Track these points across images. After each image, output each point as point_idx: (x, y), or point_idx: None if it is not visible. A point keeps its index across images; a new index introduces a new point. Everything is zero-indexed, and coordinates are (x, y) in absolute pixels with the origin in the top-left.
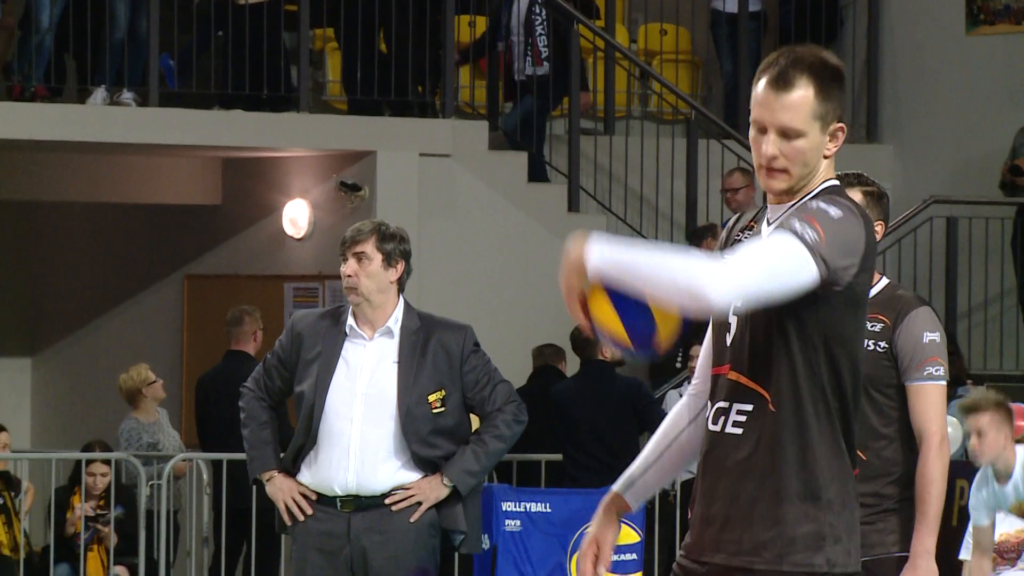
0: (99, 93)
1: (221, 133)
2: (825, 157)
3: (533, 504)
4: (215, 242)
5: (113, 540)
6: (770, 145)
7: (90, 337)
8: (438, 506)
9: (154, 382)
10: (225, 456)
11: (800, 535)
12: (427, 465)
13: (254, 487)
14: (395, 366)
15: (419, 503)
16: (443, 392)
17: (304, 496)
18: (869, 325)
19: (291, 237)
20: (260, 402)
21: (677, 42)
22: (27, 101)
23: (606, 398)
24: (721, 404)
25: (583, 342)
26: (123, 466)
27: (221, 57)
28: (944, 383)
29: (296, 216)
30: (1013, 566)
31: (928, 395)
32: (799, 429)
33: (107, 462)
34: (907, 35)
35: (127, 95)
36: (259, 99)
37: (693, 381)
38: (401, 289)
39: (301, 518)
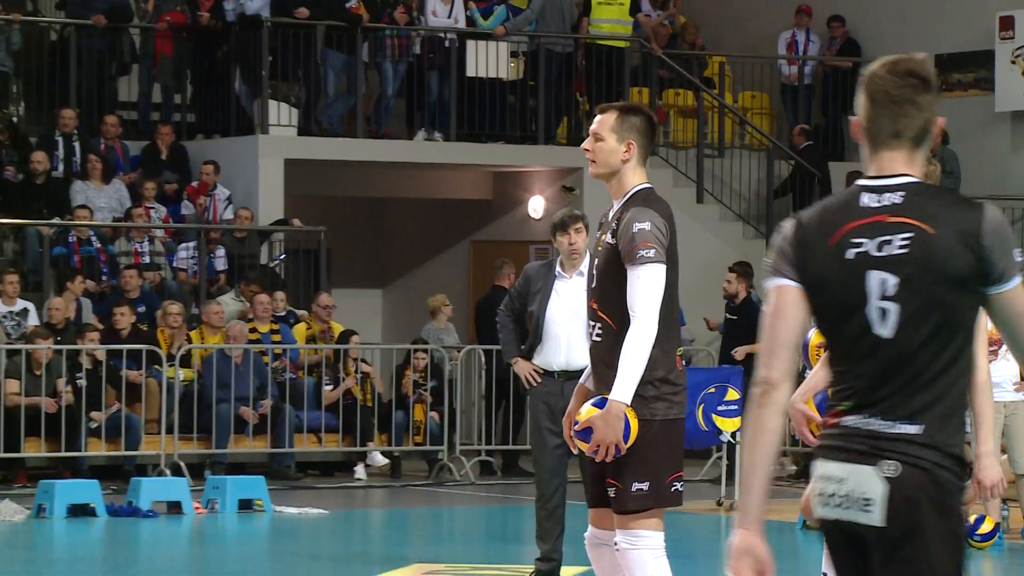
0: (420, 134)
1: (492, 157)
2: (623, 162)
3: None
4: (488, 221)
5: (429, 398)
6: (586, 141)
7: (416, 277)
8: None
9: (448, 305)
10: (493, 347)
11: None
12: None
13: (508, 366)
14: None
15: None
16: None
17: (535, 371)
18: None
19: (532, 218)
20: (508, 316)
21: (762, 102)
22: (379, 138)
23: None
24: (589, 323)
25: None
26: (433, 353)
27: (490, 111)
28: None
29: (536, 206)
30: (996, 358)
31: None
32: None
33: (425, 350)
34: None
35: (437, 134)
36: (512, 137)
37: None
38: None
39: (535, 384)
